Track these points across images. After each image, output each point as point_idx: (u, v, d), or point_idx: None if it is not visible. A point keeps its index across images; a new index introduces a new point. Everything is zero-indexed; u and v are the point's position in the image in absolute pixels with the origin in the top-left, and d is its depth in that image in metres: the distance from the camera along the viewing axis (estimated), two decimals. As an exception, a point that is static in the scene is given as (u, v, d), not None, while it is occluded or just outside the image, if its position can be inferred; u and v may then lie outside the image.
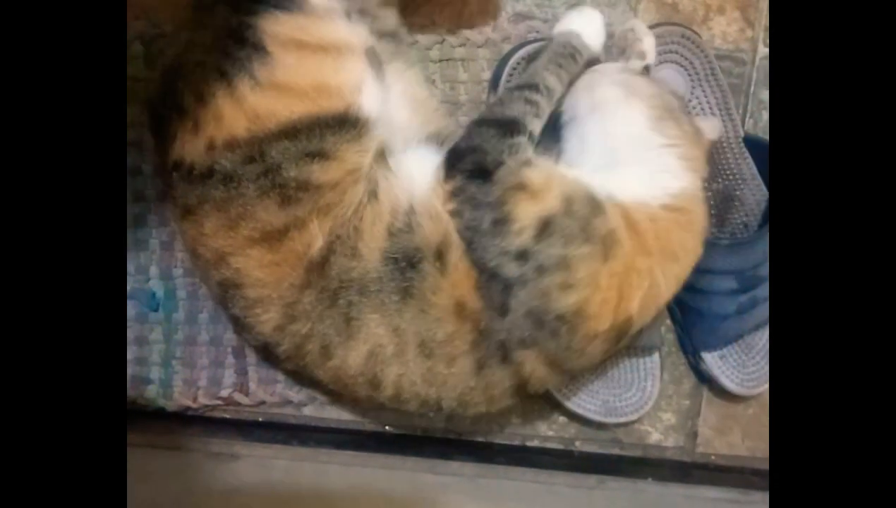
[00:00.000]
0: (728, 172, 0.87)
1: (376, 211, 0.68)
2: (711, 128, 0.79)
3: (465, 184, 0.69)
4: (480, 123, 0.72)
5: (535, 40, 0.84)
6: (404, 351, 0.68)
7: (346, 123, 0.66)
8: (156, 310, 0.83)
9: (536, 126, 0.73)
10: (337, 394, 0.79)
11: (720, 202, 0.87)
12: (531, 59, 0.78)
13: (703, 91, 0.86)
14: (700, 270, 0.82)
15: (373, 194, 0.68)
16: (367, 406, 0.83)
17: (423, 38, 0.83)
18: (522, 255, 0.66)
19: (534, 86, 0.73)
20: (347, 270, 0.67)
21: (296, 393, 0.84)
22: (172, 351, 0.81)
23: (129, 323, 0.81)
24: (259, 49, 0.65)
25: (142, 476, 0.73)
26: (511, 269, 0.66)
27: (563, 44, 0.76)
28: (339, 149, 0.66)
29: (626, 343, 0.73)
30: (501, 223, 0.67)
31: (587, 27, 0.78)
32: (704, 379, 0.90)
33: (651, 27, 0.85)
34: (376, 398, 0.70)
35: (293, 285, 0.67)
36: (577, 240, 0.67)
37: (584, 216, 0.67)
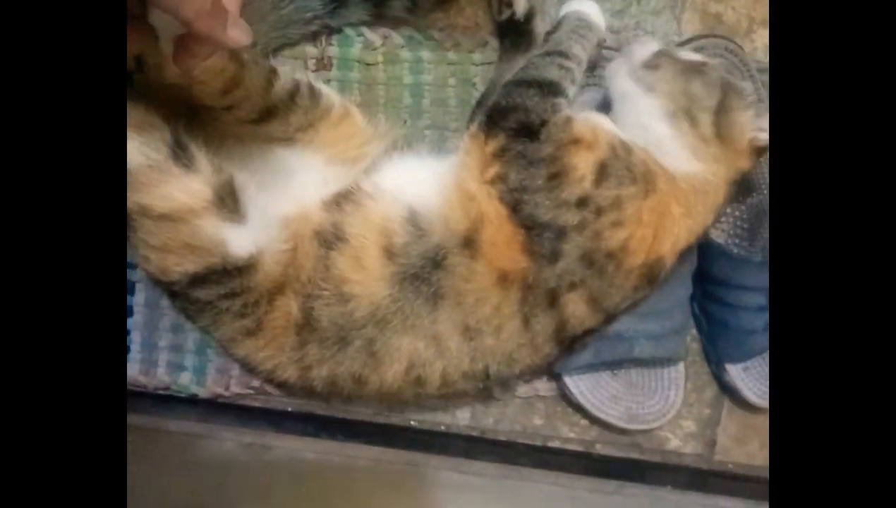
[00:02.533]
0: (763, 186, 0.87)
1: (350, 249, 0.68)
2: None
3: (511, 143, 0.69)
4: (519, 84, 0.72)
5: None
6: (447, 346, 0.69)
7: (231, 274, 0.66)
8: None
9: (572, 91, 0.74)
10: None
11: (753, 216, 0.87)
12: (550, 31, 0.79)
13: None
14: (731, 285, 0.84)
15: (336, 238, 0.69)
16: (413, 403, 0.85)
17: (466, 41, 0.83)
18: (583, 201, 0.68)
19: (564, 54, 0.74)
20: (343, 314, 0.68)
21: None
22: (207, 340, 0.82)
23: (165, 312, 0.82)
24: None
25: (180, 463, 0.75)
26: (569, 217, 0.68)
27: (577, 18, 0.78)
28: (246, 285, 0.67)
29: (654, 288, 0.74)
30: (559, 176, 0.68)
31: (590, 9, 0.79)
32: (727, 389, 0.91)
33: (694, 39, 0.85)
34: (423, 394, 0.72)
35: (293, 347, 0.69)
36: (626, 180, 0.69)
37: (626, 157, 0.70)
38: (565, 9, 0.80)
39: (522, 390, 0.88)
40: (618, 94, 0.76)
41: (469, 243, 0.68)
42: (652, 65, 0.74)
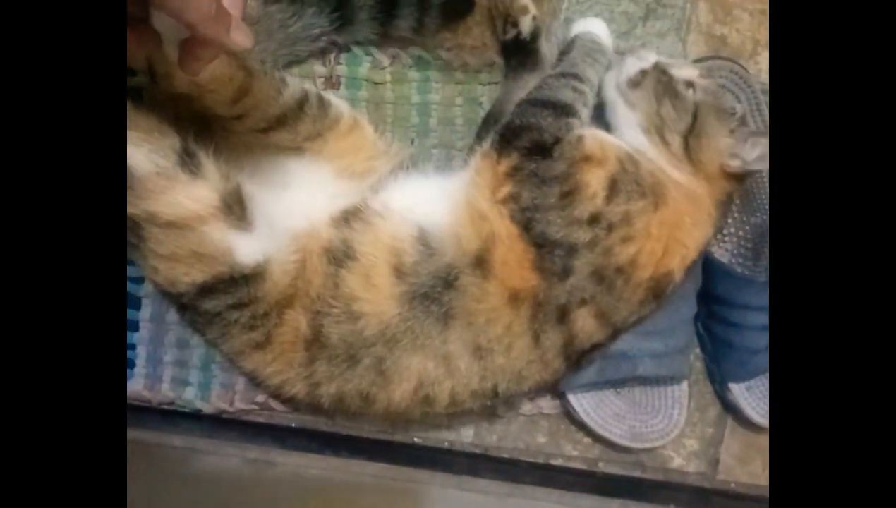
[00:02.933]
0: (766, 207, 0.87)
1: (360, 267, 0.69)
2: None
3: (524, 162, 0.70)
4: (534, 103, 0.73)
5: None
6: (457, 365, 0.69)
7: (239, 283, 0.67)
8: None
9: (585, 114, 0.75)
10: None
11: (757, 236, 0.87)
12: (563, 52, 0.80)
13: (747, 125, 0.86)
14: (735, 305, 0.84)
15: (346, 256, 0.69)
16: (420, 421, 0.85)
17: (473, 61, 0.84)
18: (595, 218, 0.69)
19: (578, 77, 0.75)
20: (353, 332, 0.68)
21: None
22: (212, 355, 0.82)
23: (171, 327, 0.82)
24: (134, 226, 0.65)
25: (184, 478, 0.75)
26: (581, 235, 0.68)
27: (590, 40, 0.79)
28: (254, 295, 0.67)
29: (661, 303, 0.75)
30: (572, 194, 0.69)
31: (600, 30, 0.81)
32: (730, 408, 0.91)
33: (699, 60, 0.85)
34: (432, 412, 0.72)
35: (301, 363, 0.69)
36: (635, 194, 0.70)
37: (634, 170, 0.71)
38: (576, 28, 0.81)
39: (526, 408, 0.88)
40: (607, 102, 0.78)
41: (481, 263, 0.68)
42: (634, 81, 0.76)
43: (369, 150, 0.77)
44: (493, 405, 0.80)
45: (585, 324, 0.71)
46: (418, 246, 0.69)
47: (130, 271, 0.78)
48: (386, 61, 0.83)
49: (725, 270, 0.84)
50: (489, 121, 0.82)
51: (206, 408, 0.83)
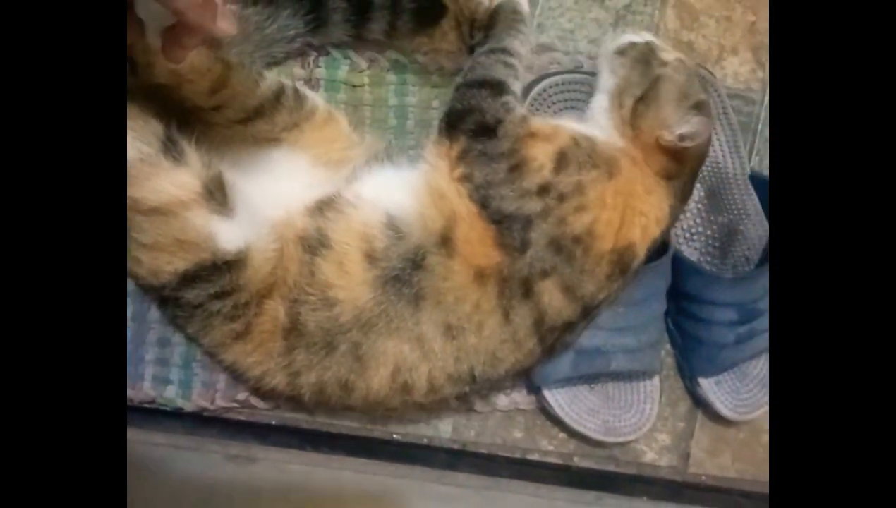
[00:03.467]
0: (733, 207, 0.90)
1: (334, 255, 0.70)
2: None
3: (472, 144, 0.73)
4: (470, 85, 0.76)
5: (557, 72, 0.87)
6: (431, 348, 0.70)
7: (221, 270, 0.68)
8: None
9: (517, 87, 0.78)
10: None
11: (724, 235, 0.90)
12: (488, 27, 0.82)
13: (715, 129, 0.89)
14: (703, 301, 0.86)
15: (320, 244, 0.71)
16: (400, 412, 0.86)
17: (449, 65, 0.85)
18: (544, 189, 0.71)
19: (506, 51, 0.78)
20: (329, 319, 0.70)
21: (309, 400, 0.87)
22: (193, 354, 0.83)
23: (152, 325, 0.83)
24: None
25: (166, 476, 0.76)
26: (532, 205, 0.71)
27: (511, 11, 0.81)
28: (236, 283, 0.69)
29: (628, 280, 0.77)
30: (519, 167, 0.72)
31: None
32: (700, 402, 0.94)
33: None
34: (411, 400, 0.73)
35: (280, 353, 0.71)
36: (587, 165, 0.72)
37: (588, 146, 0.73)
38: None
39: (503, 403, 0.90)
40: (599, 69, 0.82)
41: (445, 241, 0.71)
42: (620, 50, 0.80)
43: (344, 140, 0.79)
44: (471, 394, 0.82)
45: (552, 299, 0.72)
46: (387, 231, 0.71)
47: (112, 271, 0.78)
48: (364, 64, 0.85)
49: (694, 268, 0.87)
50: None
51: (188, 406, 0.84)
